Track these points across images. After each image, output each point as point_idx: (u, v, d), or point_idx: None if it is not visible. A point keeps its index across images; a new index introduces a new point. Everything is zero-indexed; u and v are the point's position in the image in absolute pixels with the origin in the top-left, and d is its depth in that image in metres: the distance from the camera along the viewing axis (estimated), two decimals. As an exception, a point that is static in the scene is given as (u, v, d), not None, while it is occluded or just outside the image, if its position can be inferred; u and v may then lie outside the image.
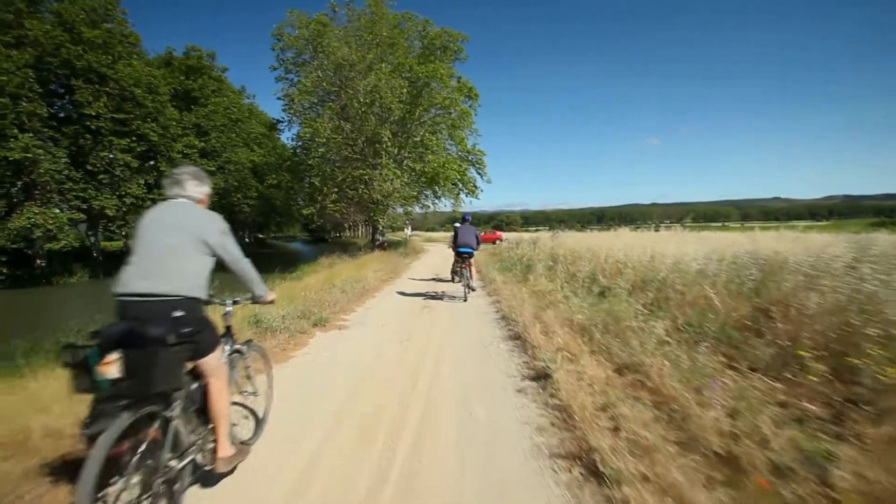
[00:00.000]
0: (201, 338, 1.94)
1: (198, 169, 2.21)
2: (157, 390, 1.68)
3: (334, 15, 18.79)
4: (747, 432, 2.29)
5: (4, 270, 20.24)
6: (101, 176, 23.26)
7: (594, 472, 2.17)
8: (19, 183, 20.82)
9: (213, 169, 28.76)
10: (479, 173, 20.85)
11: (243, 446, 2.30)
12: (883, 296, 3.12)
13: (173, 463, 1.82)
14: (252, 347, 2.71)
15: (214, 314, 2.28)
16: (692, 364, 3.26)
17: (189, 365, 1.98)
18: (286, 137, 27.68)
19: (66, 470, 2.07)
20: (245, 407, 2.73)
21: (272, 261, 17.48)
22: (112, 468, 1.56)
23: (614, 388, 3.10)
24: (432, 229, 79.11)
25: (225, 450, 2.09)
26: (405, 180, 18.47)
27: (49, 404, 2.63)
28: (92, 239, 26.11)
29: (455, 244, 8.18)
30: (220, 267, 2.10)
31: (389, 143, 17.66)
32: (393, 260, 15.62)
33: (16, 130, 19.33)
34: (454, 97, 18.36)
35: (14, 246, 20.15)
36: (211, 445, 2.08)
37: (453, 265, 10.11)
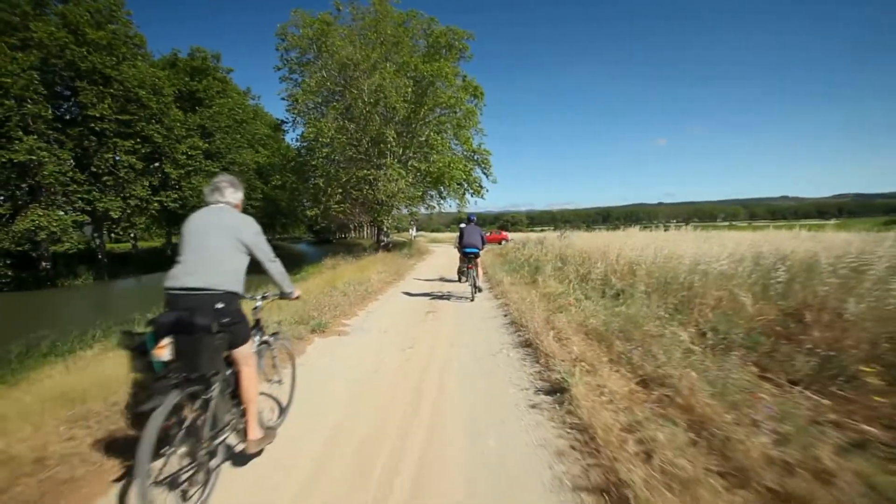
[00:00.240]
0: (237, 328, 2.12)
1: (234, 177, 2.43)
2: (203, 372, 1.90)
3: (338, 14, 18.52)
4: (803, 461, 1.98)
5: (9, 273, 20.16)
6: (106, 178, 23.24)
7: (626, 512, 1.85)
8: (24, 185, 20.77)
9: (217, 170, 28.58)
10: (484, 173, 20.49)
11: (269, 430, 2.42)
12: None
13: (212, 439, 2.02)
14: (278, 339, 2.86)
15: (244, 309, 2.35)
16: (724, 376, 2.95)
17: (224, 353, 2.14)
18: (290, 138, 27.46)
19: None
20: (270, 396, 3.00)
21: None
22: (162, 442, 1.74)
23: (640, 405, 2.78)
24: (437, 230, 78.89)
25: (254, 432, 2.25)
26: (410, 181, 18.15)
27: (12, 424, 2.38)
28: (97, 241, 26.08)
29: (460, 244, 8.17)
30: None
31: (394, 143, 17.37)
32: (397, 261, 15.34)
33: (21, 132, 19.27)
34: (459, 96, 18.00)
35: (19, 248, 20.06)
36: (242, 426, 2.27)
37: (459, 265, 9.94)
